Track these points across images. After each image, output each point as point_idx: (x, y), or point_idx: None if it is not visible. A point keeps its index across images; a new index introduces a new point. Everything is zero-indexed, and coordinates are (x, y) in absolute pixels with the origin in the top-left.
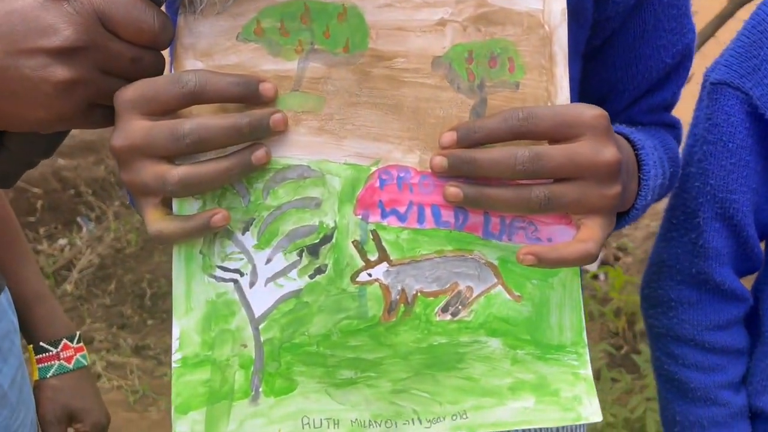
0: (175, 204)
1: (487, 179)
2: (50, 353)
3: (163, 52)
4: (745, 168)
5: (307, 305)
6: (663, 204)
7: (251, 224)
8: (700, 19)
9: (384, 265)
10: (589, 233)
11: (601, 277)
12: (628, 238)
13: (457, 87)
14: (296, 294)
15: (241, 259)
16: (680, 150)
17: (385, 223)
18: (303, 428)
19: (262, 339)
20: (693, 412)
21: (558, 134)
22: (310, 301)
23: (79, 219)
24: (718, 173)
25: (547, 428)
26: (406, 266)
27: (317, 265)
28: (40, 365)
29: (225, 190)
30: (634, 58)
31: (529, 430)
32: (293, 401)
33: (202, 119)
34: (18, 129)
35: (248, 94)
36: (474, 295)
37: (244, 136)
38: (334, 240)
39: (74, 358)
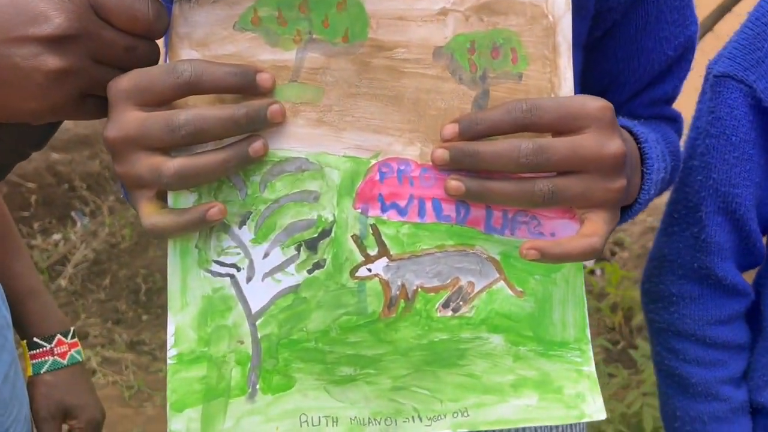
0: (170, 197)
1: (489, 172)
2: (44, 349)
3: (158, 42)
4: (749, 162)
5: (305, 301)
6: (661, 199)
7: (248, 218)
8: (698, 13)
9: (384, 260)
10: (593, 228)
11: (598, 272)
12: (624, 233)
13: (458, 78)
14: (294, 289)
15: (238, 253)
16: (681, 143)
17: (385, 217)
18: (301, 426)
19: (259, 335)
20: (693, 407)
21: (562, 126)
22: (308, 297)
23: (73, 214)
24: (720, 167)
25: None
26: (407, 261)
27: (316, 260)
28: (33, 361)
29: (221, 183)
30: (635, 50)
31: (530, 427)
32: (291, 398)
33: (198, 110)
34: (9, 120)
35: (245, 85)
36: (476, 290)
37: (241, 127)
38: (332, 234)
39: (68, 353)
